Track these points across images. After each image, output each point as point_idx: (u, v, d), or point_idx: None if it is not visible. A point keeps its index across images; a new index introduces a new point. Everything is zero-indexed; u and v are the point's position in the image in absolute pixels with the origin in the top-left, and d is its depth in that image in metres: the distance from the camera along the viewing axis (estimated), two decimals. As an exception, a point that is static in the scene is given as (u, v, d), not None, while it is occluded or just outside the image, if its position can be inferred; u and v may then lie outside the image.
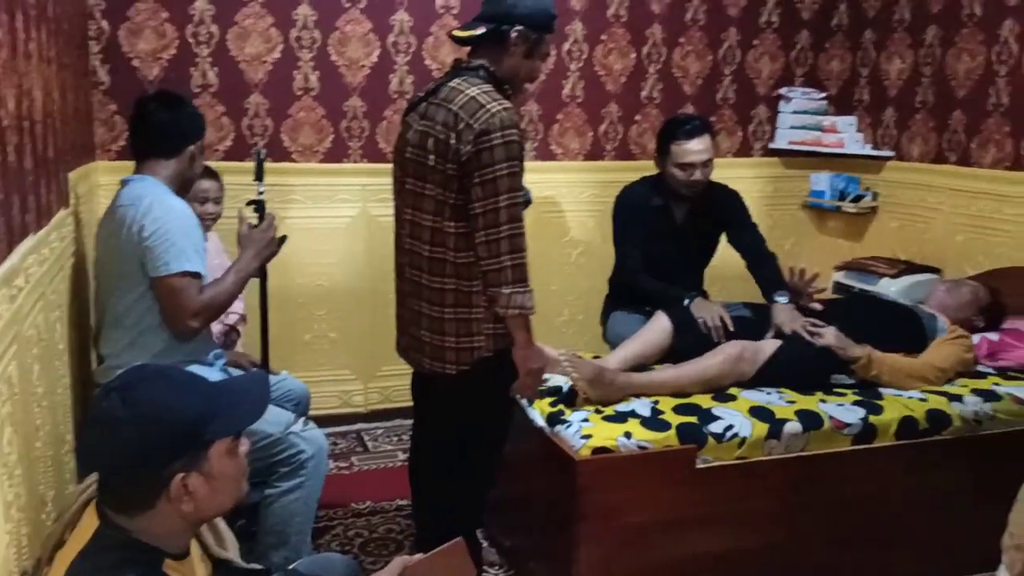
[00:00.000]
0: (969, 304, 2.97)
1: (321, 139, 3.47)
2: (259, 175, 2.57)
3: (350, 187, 3.52)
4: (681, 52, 3.93)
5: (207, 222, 2.63)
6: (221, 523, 1.48)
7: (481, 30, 2.09)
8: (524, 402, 2.48)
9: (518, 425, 2.36)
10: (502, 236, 1.96)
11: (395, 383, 3.61)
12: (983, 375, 2.71)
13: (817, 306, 2.90)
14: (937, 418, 2.43)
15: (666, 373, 2.49)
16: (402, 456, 3.31)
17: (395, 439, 3.55)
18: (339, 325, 3.58)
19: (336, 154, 3.50)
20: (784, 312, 2.77)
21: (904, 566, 2.47)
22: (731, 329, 2.69)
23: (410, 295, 2.18)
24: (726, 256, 3.32)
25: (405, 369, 2.29)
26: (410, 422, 2.50)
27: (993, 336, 2.90)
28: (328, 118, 3.47)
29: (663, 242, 3.01)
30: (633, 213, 3.01)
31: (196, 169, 2.30)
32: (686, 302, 2.82)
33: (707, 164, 2.91)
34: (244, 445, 1.29)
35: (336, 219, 3.52)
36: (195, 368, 2.09)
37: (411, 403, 2.41)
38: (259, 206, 2.54)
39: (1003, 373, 2.73)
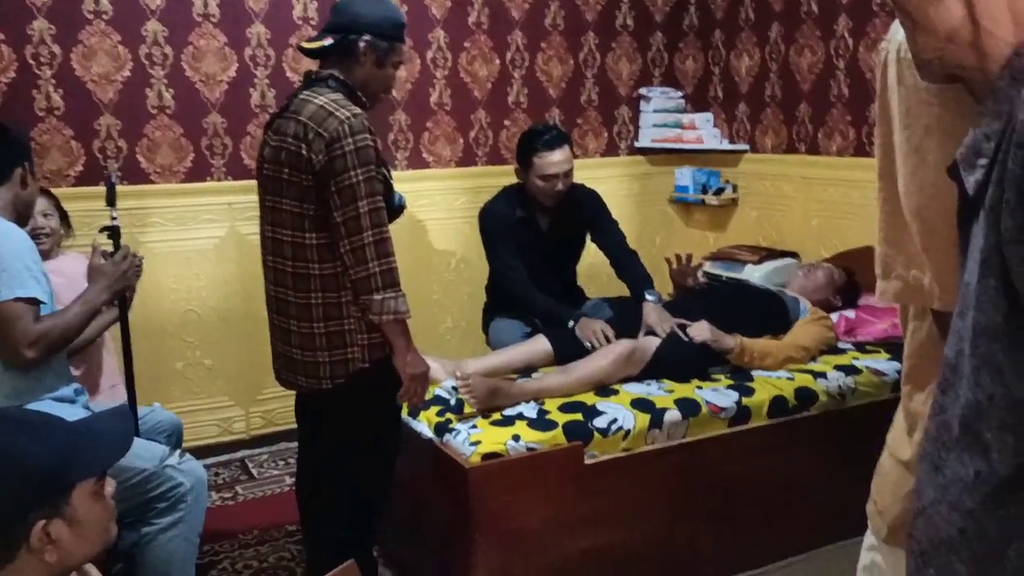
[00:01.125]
0: (825, 285, 3.16)
1: (181, 158, 3.34)
2: (111, 200, 2.44)
3: (215, 206, 3.39)
4: (543, 57, 4.00)
5: (42, 240, 2.46)
6: (93, 571, 1.40)
7: (328, 41, 2.09)
8: (409, 416, 2.46)
9: (406, 438, 2.34)
10: (367, 242, 1.95)
11: (277, 405, 3.51)
12: (843, 351, 2.88)
13: (702, 279, 3.02)
14: (805, 395, 2.56)
15: (557, 378, 2.52)
16: (289, 480, 3.21)
17: (281, 463, 3.44)
18: (213, 351, 3.45)
19: (198, 173, 3.37)
20: (654, 312, 2.85)
21: (782, 540, 2.59)
22: (612, 339, 2.74)
23: (279, 313, 2.14)
24: (601, 253, 3.40)
25: (286, 389, 2.23)
26: (296, 444, 2.44)
27: (850, 313, 3.09)
28: (187, 136, 3.33)
29: (531, 252, 3.06)
30: (500, 227, 3.05)
31: (31, 191, 2.17)
32: (571, 324, 2.85)
33: (568, 174, 2.99)
34: (110, 486, 1.22)
35: (202, 240, 3.39)
36: (55, 407, 1.97)
37: (296, 424, 2.36)
38: (113, 232, 2.41)
39: (861, 347, 2.91)
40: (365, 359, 2.07)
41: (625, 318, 2.91)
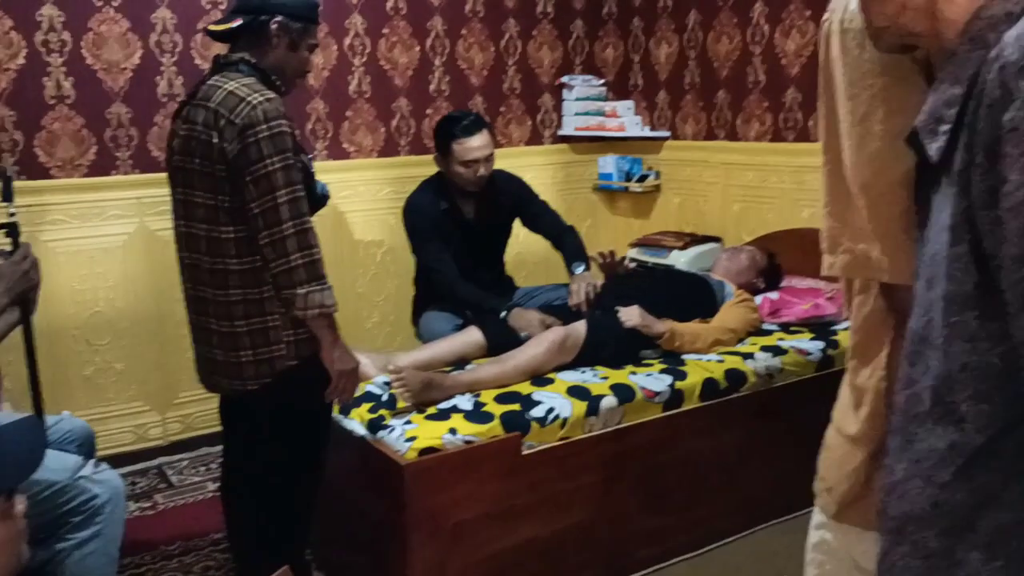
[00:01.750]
0: (749, 268, 3.20)
1: (83, 151, 3.15)
2: (7, 195, 2.25)
3: (122, 201, 3.21)
4: (464, 44, 3.94)
5: None
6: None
7: (238, 22, 1.98)
8: (340, 415, 2.38)
9: (337, 437, 2.26)
10: (287, 234, 1.85)
11: (196, 409, 3.37)
12: (769, 332, 2.92)
13: (630, 264, 3.04)
14: (735, 377, 2.58)
15: (491, 369, 2.48)
16: (212, 487, 3.08)
17: (203, 469, 3.30)
18: (125, 354, 3.27)
19: (103, 166, 3.18)
20: (577, 280, 2.90)
21: (722, 521, 2.62)
22: (550, 325, 2.71)
23: (198, 313, 2.04)
24: (530, 240, 3.38)
25: (208, 392, 2.12)
26: (218, 449, 2.33)
27: (773, 295, 3.15)
28: (89, 127, 3.14)
29: (458, 242, 3.01)
30: (425, 221, 2.99)
31: None
32: (503, 314, 2.81)
33: (489, 159, 2.94)
34: (20, 503, 1.11)
35: (109, 237, 3.21)
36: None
37: (219, 428, 2.25)
38: (12, 230, 2.24)
39: (786, 328, 2.96)
40: (292, 356, 1.98)
41: (553, 306, 2.90)
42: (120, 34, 3.15)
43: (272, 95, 1.91)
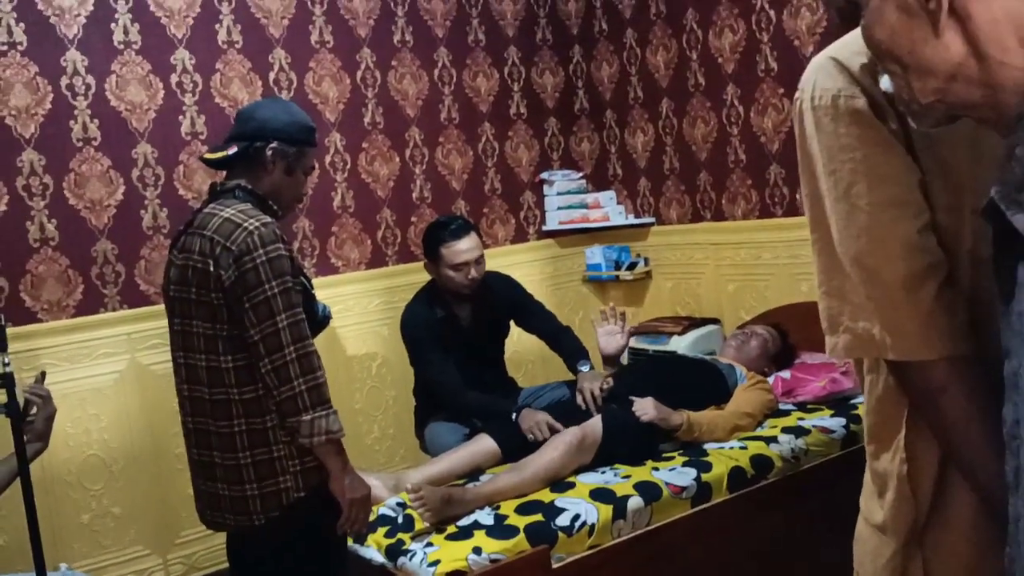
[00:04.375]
0: (760, 356, 3.10)
1: (70, 291, 3.09)
2: (2, 345, 2.20)
3: (113, 338, 3.13)
4: (443, 151, 3.97)
5: None
6: None
7: (233, 149, 1.98)
8: (355, 544, 2.26)
9: (354, 568, 2.14)
10: (289, 359, 1.81)
11: (200, 547, 3.22)
12: (787, 412, 2.86)
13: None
14: (761, 463, 2.50)
15: (510, 478, 2.39)
16: (221, 630, 2.91)
17: (209, 612, 3.12)
18: (122, 496, 3.13)
19: (90, 305, 3.12)
20: (586, 378, 2.85)
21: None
22: (558, 430, 2.62)
23: (199, 447, 1.97)
24: (524, 339, 3.34)
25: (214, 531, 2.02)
26: (227, 590, 2.19)
27: (786, 374, 3.09)
28: (75, 267, 3.09)
29: (458, 349, 2.98)
30: (422, 332, 2.96)
31: None
32: (514, 417, 2.75)
33: (480, 260, 2.94)
34: None
35: (100, 377, 3.11)
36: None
37: (225, 566, 2.13)
38: (6, 381, 2.16)
39: (803, 407, 2.90)
40: (299, 487, 1.90)
41: (561, 405, 2.85)
42: (102, 172, 3.14)
43: (268, 220, 1.89)
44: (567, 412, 2.74)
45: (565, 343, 3.10)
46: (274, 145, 1.98)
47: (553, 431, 2.61)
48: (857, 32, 1.07)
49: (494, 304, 3.07)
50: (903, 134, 0.99)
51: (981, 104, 0.80)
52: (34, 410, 2.03)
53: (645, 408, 2.59)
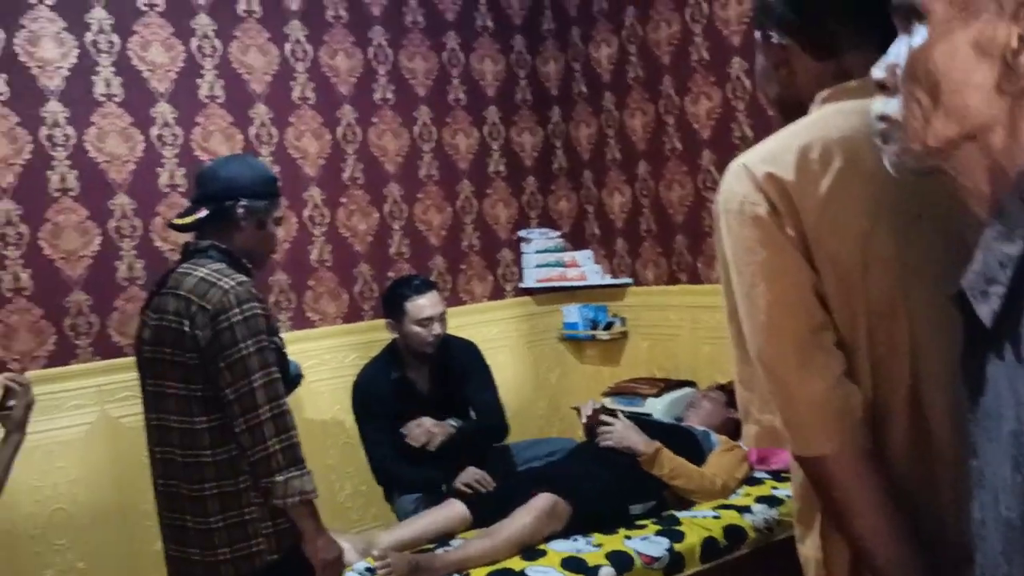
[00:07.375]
0: (713, 412, 3.14)
1: (41, 342, 3.05)
2: None
3: (82, 391, 3.09)
4: (421, 207, 4.00)
5: None
6: None
7: (203, 212, 1.98)
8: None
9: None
10: (264, 419, 1.80)
11: (163, 608, 3.13)
12: (760, 481, 2.86)
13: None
14: (734, 533, 2.50)
15: (480, 544, 2.37)
16: None
17: (169, 676, 3.03)
18: (88, 552, 3.05)
19: (62, 356, 3.08)
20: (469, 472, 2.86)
21: None
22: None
23: (170, 511, 1.95)
24: (526, 390, 3.32)
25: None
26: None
27: (757, 441, 3.09)
28: (48, 318, 3.06)
29: (413, 412, 2.97)
30: (369, 398, 3.01)
31: None
32: (443, 488, 2.80)
33: (443, 318, 2.99)
34: None
35: (69, 430, 3.06)
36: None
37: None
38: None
39: (776, 476, 2.90)
40: (272, 549, 1.89)
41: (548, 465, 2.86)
42: (78, 222, 3.13)
43: (244, 278, 1.90)
44: (548, 477, 2.72)
45: (480, 420, 3.09)
46: (244, 203, 1.99)
47: (484, 487, 2.73)
48: (769, 140, 1.13)
49: (451, 368, 3.08)
50: (799, 239, 1.05)
51: (967, 177, 0.77)
52: (12, 402, 1.98)
53: (611, 432, 2.69)
